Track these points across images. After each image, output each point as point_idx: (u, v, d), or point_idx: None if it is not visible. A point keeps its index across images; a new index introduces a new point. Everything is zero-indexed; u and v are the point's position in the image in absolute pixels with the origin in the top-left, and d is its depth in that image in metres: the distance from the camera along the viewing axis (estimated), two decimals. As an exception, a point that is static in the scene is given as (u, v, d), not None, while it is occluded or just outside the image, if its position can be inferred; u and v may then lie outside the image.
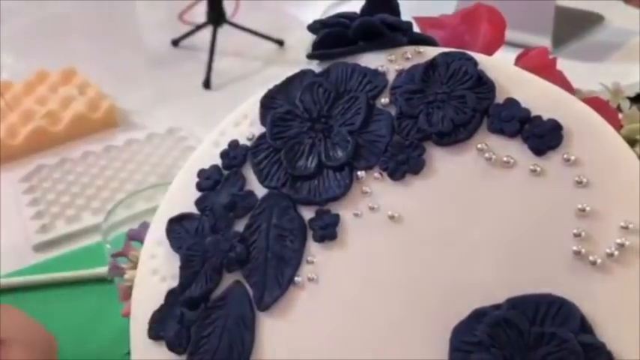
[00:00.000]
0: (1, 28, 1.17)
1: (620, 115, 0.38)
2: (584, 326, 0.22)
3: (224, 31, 1.01)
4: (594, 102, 0.32)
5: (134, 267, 0.34)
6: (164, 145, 0.81)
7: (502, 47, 0.36)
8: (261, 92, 0.32)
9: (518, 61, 0.38)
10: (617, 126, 0.36)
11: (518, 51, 0.38)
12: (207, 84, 0.94)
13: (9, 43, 1.11)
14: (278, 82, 0.31)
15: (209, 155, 0.31)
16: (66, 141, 0.80)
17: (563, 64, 0.37)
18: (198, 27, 1.05)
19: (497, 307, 0.23)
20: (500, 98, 0.26)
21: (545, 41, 0.84)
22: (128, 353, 0.30)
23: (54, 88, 0.89)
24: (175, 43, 1.07)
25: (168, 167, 0.76)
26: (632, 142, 0.37)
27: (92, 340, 0.50)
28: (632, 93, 0.43)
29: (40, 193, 0.71)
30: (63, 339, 0.39)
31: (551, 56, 0.36)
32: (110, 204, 0.68)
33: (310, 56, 0.31)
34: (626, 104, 0.41)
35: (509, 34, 0.36)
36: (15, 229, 0.66)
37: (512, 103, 0.26)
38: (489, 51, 0.35)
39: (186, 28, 1.06)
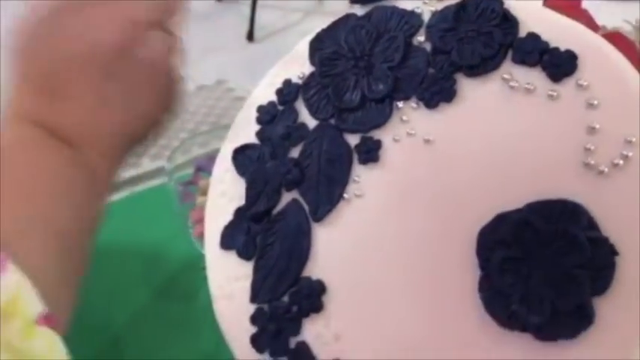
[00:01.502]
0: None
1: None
2: (591, 224, 0.26)
3: (265, -16, 1.04)
4: (613, 36, 0.35)
5: (203, 193, 0.39)
6: (213, 95, 0.85)
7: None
8: (310, 36, 0.36)
9: (547, 1, 0.41)
10: (636, 58, 0.39)
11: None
12: (250, 36, 0.98)
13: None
14: (324, 25, 0.35)
15: (266, 93, 0.36)
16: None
17: (588, 4, 0.40)
18: (240, -19, 1.08)
19: (517, 211, 0.27)
20: (523, 33, 0.30)
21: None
22: (203, 268, 0.35)
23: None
24: (218, -3, 1.11)
25: (217, 116, 0.81)
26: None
27: (162, 267, 0.56)
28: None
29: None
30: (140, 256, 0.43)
31: (577, -3, 0.39)
32: (166, 150, 0.74)
33: (354, 1, 0.35)
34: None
35: (537, -24, 0.39)
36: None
37: (533, 36, 0.29)
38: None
39: (228, -17, 1.10)
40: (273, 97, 0.35)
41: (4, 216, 0.30)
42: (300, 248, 0.31)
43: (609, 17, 0.42)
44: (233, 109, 0.83)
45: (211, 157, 0.39)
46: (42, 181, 0.33)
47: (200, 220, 0.39)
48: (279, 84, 0.35)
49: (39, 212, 0.32)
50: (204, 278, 0.34)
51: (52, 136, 0.34)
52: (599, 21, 0.41)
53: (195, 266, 0.49)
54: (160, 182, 0.69)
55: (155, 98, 0.37)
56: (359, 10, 0.35)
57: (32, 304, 0.27)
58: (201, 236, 0.37)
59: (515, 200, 0.27)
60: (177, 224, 0.52)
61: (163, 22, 0.37)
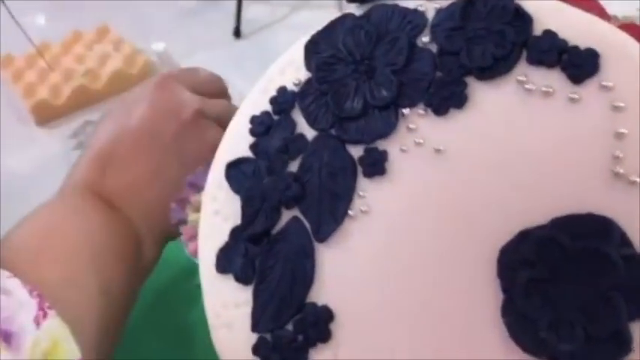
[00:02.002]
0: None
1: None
2: (623, 241, 0.24)
3: (250, -22, 1.01)
4: (630, 28, 0.32)
5: (195, 210, 0.37)
6: (201, 95, 0.83)
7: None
8: (304, 39, 0.33)
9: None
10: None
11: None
12: (237, 32, 0.95)
13: (39, 5, 1.13)
14: (320, 27, 0.33)
15: (259, 102, 0.33)
16: (107, 97, 0.83)
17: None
18: (224, -25, 1.05)
19: (541, 227, 0.25)
20: (537, 30, 0.27)
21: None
22: (199, 285, 0.32)
23: (90, 46, 0.91)
24: (202, -7, 1.08)
25: (207, 117, 0.78)
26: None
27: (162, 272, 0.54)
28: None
29: (89, 149, 0.74)
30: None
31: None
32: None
33: (350, 0, 0.32)
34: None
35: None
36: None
37: (549, 34, 0.27)
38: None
39: (212, -22, 1.07)
40: (267, 106, 0.33)
41: (52, 270, 0.33)
42: (303, 271, 0.29)
43: (621, 5, 0.40)
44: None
45: (202, 171, 0.37)
46: (90, 240, 0.36)
47: (193, 238, 0.37)
48: (272, 91, 0.33)
49: (85, 269, 0.35)
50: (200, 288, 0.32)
51: (104, 202, 0.38)
52: (610, 8, 0.38)
53: (191, 273, 0.47)
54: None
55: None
56: (357, 10, 0.32)
57: (70, 350, 0.30)
58: (195, 254, 0.35)
59: (538, 215, 0.25)
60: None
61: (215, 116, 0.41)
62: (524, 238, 0.25)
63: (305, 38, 0.33)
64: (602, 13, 0.38)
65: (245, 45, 0.96)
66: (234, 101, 0.79)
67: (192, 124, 0.40)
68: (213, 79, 0.45)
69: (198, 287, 0.33)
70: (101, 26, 0.94)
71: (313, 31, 0.33)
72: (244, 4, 0.97)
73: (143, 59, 0.87)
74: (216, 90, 0.44)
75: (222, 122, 0.38)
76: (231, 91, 0.81)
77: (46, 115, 0.78)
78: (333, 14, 0.33)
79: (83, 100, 0.83)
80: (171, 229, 0.37)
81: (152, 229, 0.39)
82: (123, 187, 0.39)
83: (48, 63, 0.84)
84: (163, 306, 0.51)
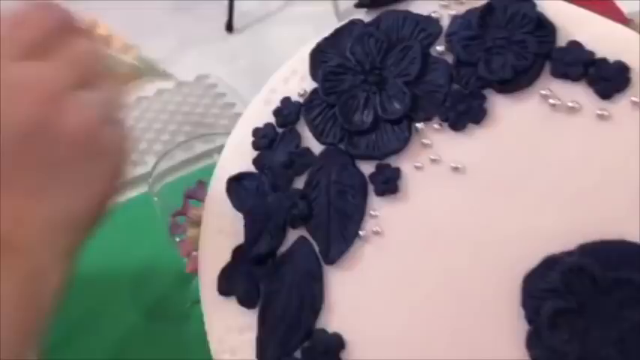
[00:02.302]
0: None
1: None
2: (658, 270, 0.22)
3: (243, -30, 0.99)
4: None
5: (194, 225, 0.35)
6: (194, 93, 0.81)
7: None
8: (309, 46, 0.31)
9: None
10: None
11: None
12: (229, 27, 0.93)
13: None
14: (326, 34, 0.31)
15: (261, 113, 0.31)
16: (96, 95, 0.81)
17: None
18: (216, -33, 1.03)
19: (569, 253, 0.23)
20: (562, 41, 0.25)
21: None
22: (194, 303, 0.31)
23: (78, 42, 0.89)
24: (194, -15, 1.05)
25: (200, 115, 0.76)
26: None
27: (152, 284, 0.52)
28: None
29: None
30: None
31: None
32: (148, 156, 0.69)
33: (359, 5, 0.30)
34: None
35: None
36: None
37: (575, 45, 0.25)
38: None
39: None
40: (271, 118, 0.31)
41: None
42: (311, 296, 0.27)
43: (634, 5, 0.38)
44: (215, 107, 0.79)
45: (201, 183, 0.35)
46: None
47: (190, 254, 0.35)
48: (276, 102, 0.31)
49: None
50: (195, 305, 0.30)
51: None
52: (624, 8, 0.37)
53: (186, 283, 0.45)
54: (141, 192, 0.64)
55: (99, 173, 0.27)
56: (365, 16, 0.30)
57: None
58: (193, 273, 0.33)
59: (564, 240, 0.24)
60: (164, 237, 0.49)
61: (91, 82, 0.27)
62: (550, 265, 0.23)
63: (309, 45, 0.31)
64: (618, 16, 0.36)
65: (238, 39, 0.93)
66: (229, 100, 0.77)
67: (55, 113, 0.25)
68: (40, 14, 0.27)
69: (193, 304, 0.31)
70: (90, 21, 0.92)
71: (315, 34, 0.31)
72: (236, -3, 0.95)
73: (134, 55, 0.84)
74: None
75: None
76: (225, 89, 0.79)
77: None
78: (326, 8, 0.32)
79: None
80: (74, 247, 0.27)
81: (52, 256, 0.26)
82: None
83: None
84: (155, 323, 0.49)
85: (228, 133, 0.32)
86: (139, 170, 0.64)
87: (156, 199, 0.51)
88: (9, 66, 0.26)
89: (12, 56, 0.26)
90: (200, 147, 0.63)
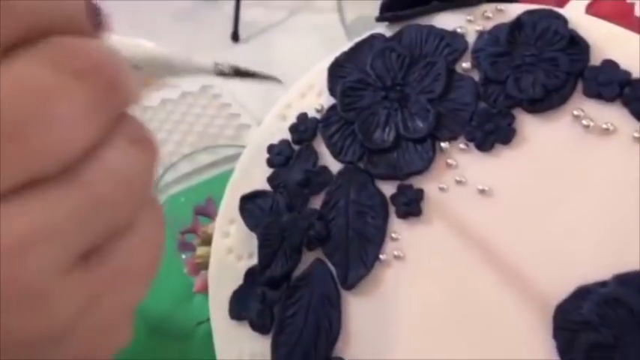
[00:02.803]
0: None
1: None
2: (700, 303, 0.21)
3: (249, -20, 0.98)
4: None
5: (203, 243, 0.34)
6: (198, 103, 0.79)
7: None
8: (328, 60, 0.30)
9: (590, 9, 0.36)
10: None
11: (589, -2, 0.36)
12: (235, 37, 0.92)
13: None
14: (345, 48, 0.30)
15: (277, 129, 0.30)
16: (100, 104, 0.79)
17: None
18: (222, -23, 1.02)
19: (603, 284, 0.22)
20: (595, 60, 0.24)
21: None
22: (200, 323, 0.29)
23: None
24: (199, -6, 1.04)
25: (205, 126, 0.75)
26: None
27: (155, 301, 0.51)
28: None
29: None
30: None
31: (628, 1, 0.34)
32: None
33: (380, 19, 0.29)
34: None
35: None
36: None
37: (610, 64, 0.24)
38: (562, 3, 0.33)
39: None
40: (286, 135, 0.30)
41: None
42: (328, 322, 0.26)
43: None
44: (220, 118, 0.78)
45: (211, 200, 0.34)
46: None
47: (198, 272, 0.34)
48: (292, 118, 0.30)
49: None
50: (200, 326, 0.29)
51: None
52: None
53: (187, 304, 0.44)
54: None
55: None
56: (387, 30, 0.29)
57: None
58: (202, 292, 0.32)
59: (598, 269, 0.22)
60: (169, 251, 0.47)
61: None
62: (584, 295, 0.22)
63: (328, 60, 0.30)
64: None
65: (243, 49, 0.92)
66: (233, 110, 0.76)
67: None
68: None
69: (198, 325, 0.30)
70: (94, 28, 0.91)
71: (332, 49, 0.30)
72: (242, 4, 0.94)
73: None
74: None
75: None
76: (230, 99, 0.78)
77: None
78: (333, 19, 0.31)
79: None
80: None
81: None
82: None
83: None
84: (158, 341, 0.48)
85: (232, 145, 0.31)
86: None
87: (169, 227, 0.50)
88: None
89: None
90: (205, 158, 0.62)
